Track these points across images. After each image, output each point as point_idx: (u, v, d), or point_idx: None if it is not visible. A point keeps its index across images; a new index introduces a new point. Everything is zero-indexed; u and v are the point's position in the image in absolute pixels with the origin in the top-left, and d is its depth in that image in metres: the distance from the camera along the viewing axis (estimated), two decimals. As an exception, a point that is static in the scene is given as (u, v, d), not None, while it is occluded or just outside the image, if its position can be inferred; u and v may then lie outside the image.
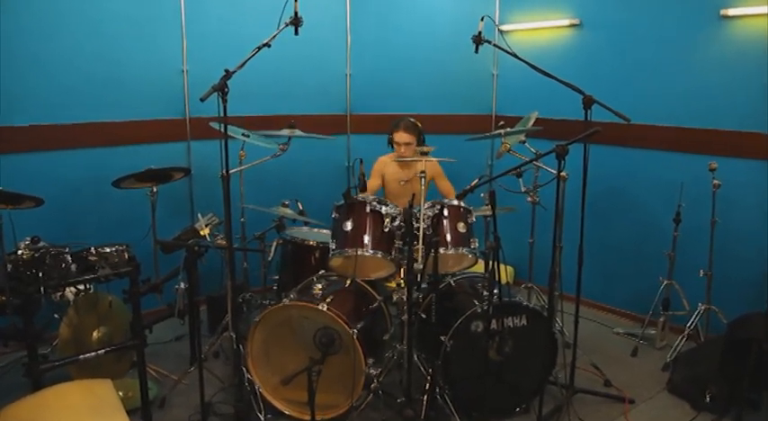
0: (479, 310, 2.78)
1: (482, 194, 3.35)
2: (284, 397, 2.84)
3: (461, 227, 2.89)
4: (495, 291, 2.62)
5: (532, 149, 3.33)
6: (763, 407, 2.87)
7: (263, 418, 2.76)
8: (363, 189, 2.88)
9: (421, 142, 3.58)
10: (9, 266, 2.40)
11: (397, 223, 2.81)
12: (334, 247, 2.86)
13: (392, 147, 3.66)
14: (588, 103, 2.64)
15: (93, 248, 2.58)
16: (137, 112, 3.77)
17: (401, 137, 3.54)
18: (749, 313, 3.05)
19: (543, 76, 2.77)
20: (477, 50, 2.91)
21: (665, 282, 3.59)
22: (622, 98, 3.67)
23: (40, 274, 2.40)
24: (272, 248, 3.42)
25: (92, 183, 3.64)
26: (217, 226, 3.19)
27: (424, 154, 2.90)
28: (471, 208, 2.99)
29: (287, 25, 2.72)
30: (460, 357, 2.78)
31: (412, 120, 3.60)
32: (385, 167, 3.74)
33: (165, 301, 3.35)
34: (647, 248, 3.91)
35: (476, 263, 3.00)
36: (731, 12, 3.38)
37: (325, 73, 4.46)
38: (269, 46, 2.61)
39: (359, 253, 2.77)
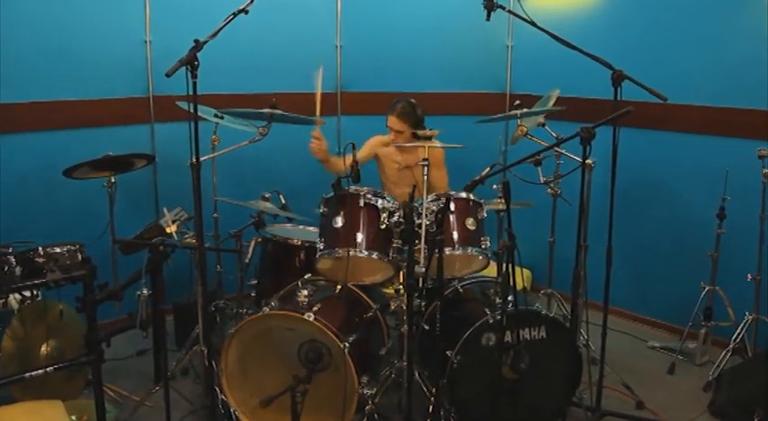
0: (491, 321, 2.78)
1: (494, 185, 3.35)
2: (264, 421, 2.84)
3: (470, 223, 2.89)
4: (510, 298, 2.63)
5: (553, 133, 3.33)
6: (819, 432, 2.88)
7: (239, 446, 2.76)
8: (357, 179, 2.88)
9: (420, 127, 3.59)
10: (-58, 269, 2.40)
11: (395, 219, 2.81)
12: (322, 247, 2.86)
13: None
14: (618, 79, 2.64)
15: (40, 248, 2.57)
16: (91, 90, 3.75)
17: (392, 123, 3.56)
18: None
19: (566, 47, 2.76)
20: (488, 18, 2.90)
21: (706, 288, 3.59)
22: (658, 73, 3.65)
23: (-21, 279, 2.39)
24: (250, 248, 3.42)
25: (39, 173, 3.62)
26: (185, 222, 3.18)
27: (427, 138, 2.90)
28: (482, 201, 2.99)
29: (267, -12, 2.71)
30: (469, 375, 2.78)
31: (412, 102, 3.60)
32: (381, 148, 3.75)
33: (126, 310, 3.34)
34: (687, 248, 3.92)
35: (487, 265, 3.00)
36: (785, -27, 3.38)
37: (311, 45, 4.44)
38: (246, 12, 2.59)
39: (351, 253, 2.77)
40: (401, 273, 2.92)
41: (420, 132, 2.95)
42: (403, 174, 3.66)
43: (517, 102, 3.45)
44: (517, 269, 2.49)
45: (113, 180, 3.35)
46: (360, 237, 2.79)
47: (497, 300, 2.94)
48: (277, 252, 3.41)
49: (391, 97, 3.67)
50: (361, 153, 3.70)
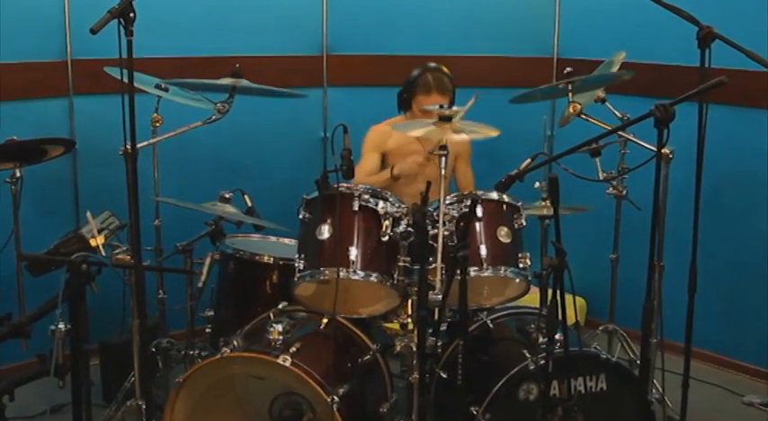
0: (532, 367, 2.78)
1: (537, 183, 3.36)
2: None
3: (504, 234, 2.89)
4: (558, 336, 2.63)
5: (617, 112, 3.34)
6: None
7: None
8: (349, 173, 2.87)
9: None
10: None
11: (402, 228, 2.81)
12: (302, 267, 2.86)
13: (402, 110, 3.70)
14: (707, 38, 2.64)
15: None
16: (-12, 52, 3.77)
17: (436, 102, 3.47)
18: None
19: (635, -5, 2.77)
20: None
21: (824, 324, 3.60)
22: (761, 31, 3.67)
23: None
24: (205, 268, 3.42)
25: None
26: (116, 232, 3.19)
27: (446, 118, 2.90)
28: (520, 204, 2.99)
29: None
30: (502, 441, 2.78)
31: (443, 70, 3.61)
32: (388, 140, 3.75)
33: (35, 351, 3.35)
34: (798, 270, 3.92)
35: (526, 291, 3.01)
36: None
37: (288, -9, 4.47)
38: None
39: (342, 275, 2.77)
40: (410, 301, 2.92)
41: (437, 111, 2.93)
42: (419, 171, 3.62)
43: (568, 69, 3.45)
44: (567, 297, 2.49)
45: (19, 173, 3.35)
46: (353, 252, 2.80)
47: (540, 340, 2.94)
48: (241, 273, 3.42)
49: (395, 63, 3.69)
50: (370, 158, 3.73)
